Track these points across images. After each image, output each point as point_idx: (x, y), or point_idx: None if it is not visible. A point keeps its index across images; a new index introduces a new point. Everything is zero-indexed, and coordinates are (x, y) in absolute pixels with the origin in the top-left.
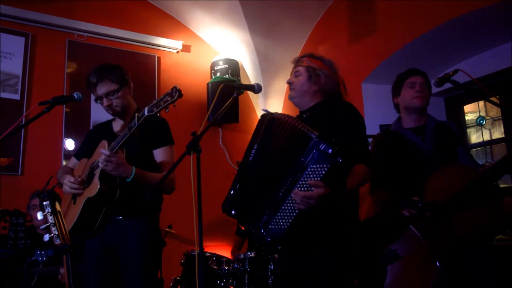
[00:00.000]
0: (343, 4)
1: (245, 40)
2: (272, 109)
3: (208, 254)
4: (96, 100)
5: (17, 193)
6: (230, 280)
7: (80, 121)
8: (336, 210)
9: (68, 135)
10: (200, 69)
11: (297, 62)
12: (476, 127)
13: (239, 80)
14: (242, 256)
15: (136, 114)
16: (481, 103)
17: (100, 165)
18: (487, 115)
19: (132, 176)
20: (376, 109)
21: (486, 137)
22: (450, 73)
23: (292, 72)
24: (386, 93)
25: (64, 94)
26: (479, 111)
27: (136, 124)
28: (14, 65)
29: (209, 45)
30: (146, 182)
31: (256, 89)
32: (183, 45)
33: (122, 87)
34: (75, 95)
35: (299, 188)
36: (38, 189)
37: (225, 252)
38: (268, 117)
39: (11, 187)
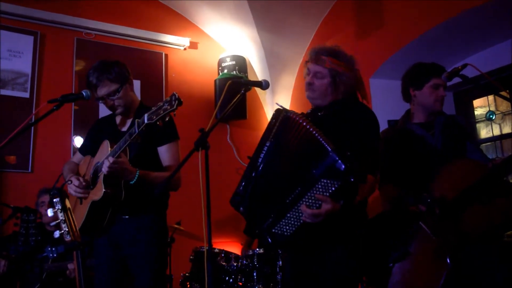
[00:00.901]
0: (349, 0)
1: (252, 36)
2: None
3: (217, 251)
4: (97, 100)
5: (27, 191)
6: (239, 277)
7: (89, 118)
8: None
9: (77, 133)
10: (208, 65)
11: (316, 58)
12: (485, 122)
13: (247, 77)
14: (250, 253)
15: (137, 120)
16: (491, 97)
17: (104, 171)
18: (497, 110)
19: (135, 179)
20: (384, 104)
21: (496, 131)
22: (459, 67)
23: (308, 64)
24: (394, 89)
25: (73, 92)
26: (488, 106)
27: (137, 131)
28: (23, 64)
29: (216, 42)
30: (151, 183)
31: (263, 85)
32: (190, 42)
33: (122, 85)
34: (84, 93)
35: (306, 200)
36: (45, 186)
37: (234, 248)
38: (283, 114)
39: (21, 184)
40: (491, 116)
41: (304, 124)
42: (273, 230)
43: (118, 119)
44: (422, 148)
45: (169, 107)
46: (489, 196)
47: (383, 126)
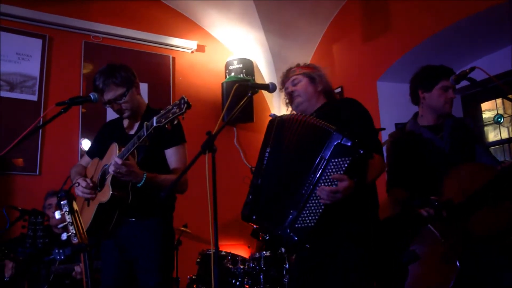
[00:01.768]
0: (357, 3)
1: (259, 39)
2: (286, 109)
3: (224, 253)
4: (104, 105)
5: (35, 193)
6: (246, 279)
7: (96, 121)
8: (359, 204)
9: (85, 135)
10: (215, 69)
11: (287, 75)
12: (493, 125)
13: (254, 80)
14: (257, 255)
15: (145, 123)
16: (499, 100)
17: (111, 172)
18: (505, 113)
19: (143, 182)
20: (391, 107)
21: (504, 135)
22: (467, 70)
23: (283, 87)
24: (401, 92)
25: (81, 95)
26: (496, 109)
27: (145, 134)
28: (32, 67)
29: (224, 45)
30: (158, 186)
31: (270, 88)
32: (198, 45)
33: (128, 89)
34: (92, 96)
35: (323, 184)
36: (53, 189)
37: (241, 251)
38: (277, 119)
39: (29, 187)
40: (499, 119)
41: (301, 118)
42: (297, 225)
43: (125, 122)
44: (430, 151)
45: (178, 110)
46: (498, 199)
47: (390, 129)
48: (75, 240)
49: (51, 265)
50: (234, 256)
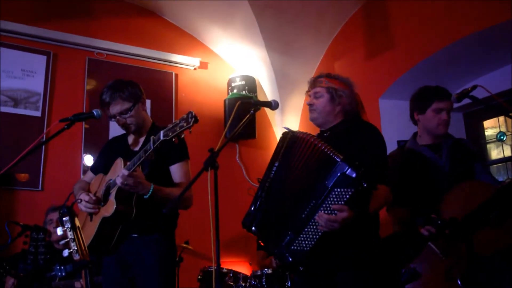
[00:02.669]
0: (359, 21)
1: (261, 56)
2: (289, 126)
3: (225, 270)
4: (110, 118)
5: (37, 209)
6: None
7: (99, 137)
8: (359, 232)
9: (87, 151)
10: (217, 85)
11: (314, 82)
12: (496, 143)
13: (256, 97)
14: (259, 273)
15: (152, 137)
16: (501, 118)
17: (119, 183)
18: (507, 131)
19: (150, 193)
20: (394, 125)
21: (507, 152)
22: (469, 88)
23: (308, 92)
24: (403, 109)
25: (84, 111)
26: (499, 127)
27: (152, 147)
28: (36, 83)
29: (226, 62)
30: (165, 198)
31: (273, 105)
32: (200, 62)
33: (135, 104)
34: (95, 112)
35: (323, 211)
36: (53, 204)
37: (242, 268)
38: (290, 135)
39: (31, 202)
40: (501, 137)
41: (313, 141)
42: (293, 247)
43: (130, 139)
44: (430, 170)
45: (185, 124)
46: (500, 218)
47: (392, 146)
48: (76, 257)
49: (51, 281)
50: (236, 273)
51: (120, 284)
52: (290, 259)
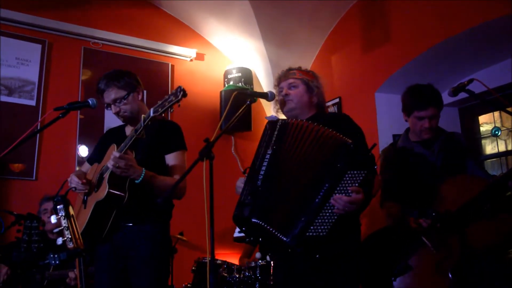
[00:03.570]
0: (356, 14)
1: (258, 49)
2: (276, 107)
3: (219, 262)
4: (106, 107)
5: (31, 198)
6: None
7: (94, 127)
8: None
9: (82, 142)
10: (214, 77)
11: (286, 74)
12: (491, 138)
13: (252, 89)
14: (253, 264)
15: (142, 115)
16: (496, 113)
17: (110, 166)
18: (502, 126)
19: (141, 178)
20: (390, 118)
21: (502, 148)
22: (465, 82)
23: (278, 86)
24: (399, 103)
25: (79, 101)
26: (494, 122)
27: (142, 125)
28: (31, 72)
29: (223, 54)
30: (156, 185)
31: (269, 96)
32: (197, 53)
33: (130, 93)
34: (90, 101)
35: (338, 194)
36: (47, 194)
37: (236, 260)
38: (281, 122)
39: (25, 192)
40: (496, 132)
41: (313, 126)
42: (308, 234)
43: (128, 130)
44: (422, 166)
45: (174, 99)
46: (493, 212)
47: (388, 140)
48: (70, 245)
49: (45, 270)
50: (230, 265)
51: (113, 273)
52: (301, 247)
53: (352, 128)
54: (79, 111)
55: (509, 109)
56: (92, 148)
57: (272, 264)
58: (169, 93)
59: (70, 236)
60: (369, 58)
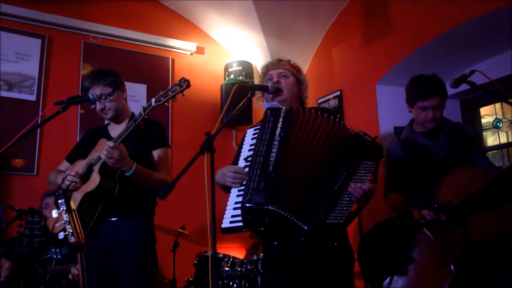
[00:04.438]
0: (357, 6)
1: (259, 42)
2: (260, 94)
3: (221, 255)
4: (91, 105)
5: (33, 193)
6: (243, 282)
7: (95, 122)
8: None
9: None
10: (214, 71)
11: (277, 64)
12: (492, 130)
13: (253, 82)
14: (255, 258)
15: (142, 106)
16: (498, 105)
17: (103, 156)
18: (504, 118)
19: (132, 170)
20: (391, 111)
21: (503, 139)
22: (467, 73)
23: (266, 75)
24: (400, 95)
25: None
26: (495, 114)
27: (143, 114)
28: (31, 67)
29: (223, 47)
30: (145, 178)
31: (270, 89)
32: (197, 47)
33: (115, 91)
34: (90, 95)
35: (354, 183)
36: (48, 189)
37: (238, 253)
38: (287, 110)
39: (27, 187)
40: (498, 124)
41: (324, 116)
42: (329, 221)
43: (111, 128)
44: (426, 157)
45: (178, 88)
46: (495, 204)
47: (389, 132)
48: (72, 239)
49: (47, 264)
50: (232, 258)
51: (100, 267)
52: (320, 235)
53: None
54: (79, 106)
55: (511, 100)
56: None
57: (262, 257)
58: (170, 85)
59: (71, 230)
60: (370, 50)
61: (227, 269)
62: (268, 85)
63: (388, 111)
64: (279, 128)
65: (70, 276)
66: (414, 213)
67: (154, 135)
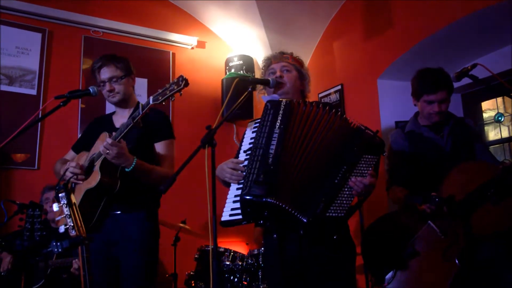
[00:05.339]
0: (358, 0)
1: (260, 36)
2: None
3: (222, 250)
4: (98, 86)
5: (34, 188)
6: (244, 276)
7: (95, 116)
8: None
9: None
10: (215, 65)
11: (280, 57)
12: (494, 124)
13: (254, 76)
14: (256, 252)
15: (141, 103)
16: (499, 99)
17: (102, 152)
18: (505, 112)
19: (132, 166)
20: (392, 105)
21: (505, 134)
22: (469, 67)
23: (269, 68)
24: (402, 89)
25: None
26: (497, 108)
27: (141, 113)
28: (31, 61)
29: (224, 42)
30: (146, 174)
31: (271, 83)
32: (198, 41)
33: (126, 75)
34: (91, 89)
35: (354, 177)
36: (49, 183)
37: (239, 247)
38: (286, 103)
39: (28, 181)
40: (499, 118)
41: (325, 109)
42: (328, 214)
43: (115, 118)
44: (431, 151)
45: (176, 87)
46: (499, 198)
47: (390, 126)
48: (73, 233)
49: (48, 258)
50: (233, 253)
51: (103, 261)
52: (320, 228)
53: None
54: (80, 100)
55: None
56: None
57: (263, 250)
58: (170, 81)
59: (72, 224)
60: (371, 44)
61: (228, 263)
62: (269, 79)
63: (389, 106)
64: (279, 121)
65: (72, 270)
66: (418, 206)
67: (157, 127)
